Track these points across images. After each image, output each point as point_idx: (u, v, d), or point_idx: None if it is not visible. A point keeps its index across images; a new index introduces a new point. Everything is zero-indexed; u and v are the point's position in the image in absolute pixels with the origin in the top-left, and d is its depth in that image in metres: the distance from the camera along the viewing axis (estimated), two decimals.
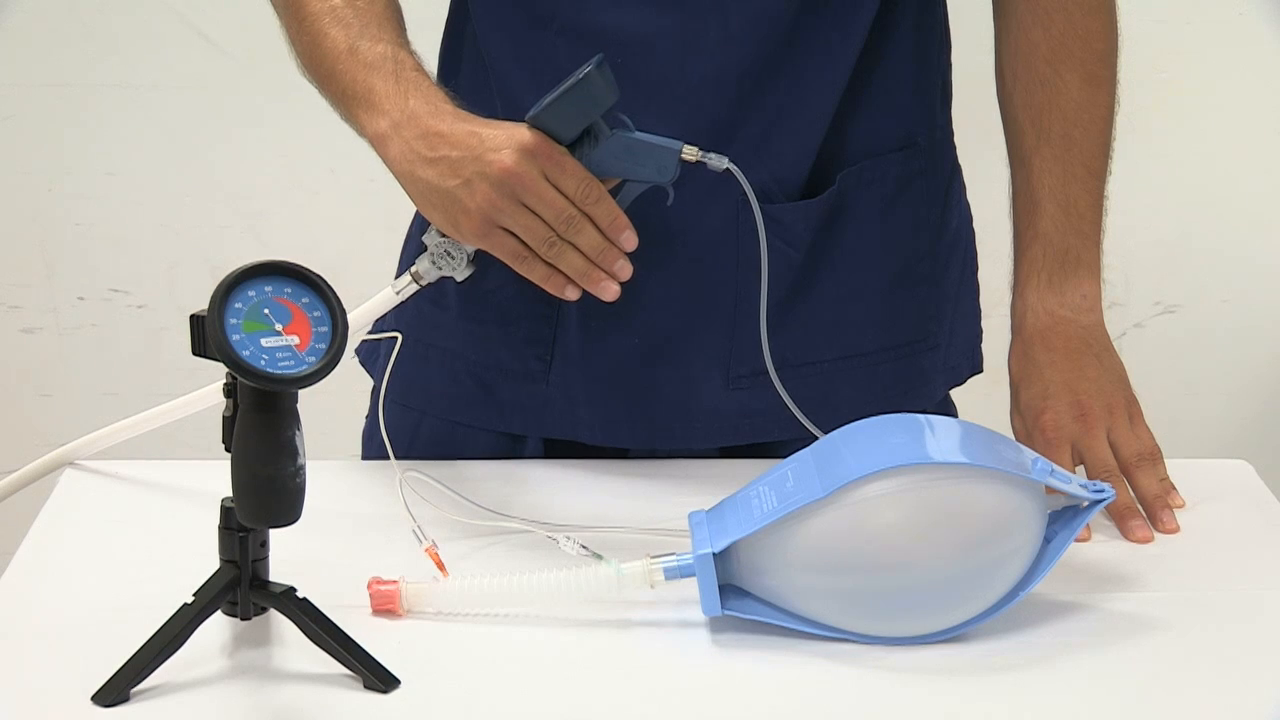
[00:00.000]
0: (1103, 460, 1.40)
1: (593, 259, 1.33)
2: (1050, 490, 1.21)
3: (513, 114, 1.35)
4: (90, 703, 1.10)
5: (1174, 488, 1.40)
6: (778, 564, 1.18)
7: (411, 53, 1.38)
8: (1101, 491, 1.22)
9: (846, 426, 1.22)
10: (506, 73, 1.45)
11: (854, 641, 1.19)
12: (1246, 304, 2.76)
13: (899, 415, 1.22)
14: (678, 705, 1.14)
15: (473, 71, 1.48)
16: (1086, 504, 1.23)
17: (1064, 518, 1.24)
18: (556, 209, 1.30)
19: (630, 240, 1.33)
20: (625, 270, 1.34)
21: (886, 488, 1.16)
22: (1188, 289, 2.75)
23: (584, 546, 1.28)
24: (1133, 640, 1.21)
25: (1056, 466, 1.21)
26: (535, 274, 1.34)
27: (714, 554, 1.18)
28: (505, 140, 1.30)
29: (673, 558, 1.20)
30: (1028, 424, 1.43)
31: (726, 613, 1.19)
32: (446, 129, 1.31)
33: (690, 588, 1.20)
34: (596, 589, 1.21)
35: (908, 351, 1.52)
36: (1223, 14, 2.64)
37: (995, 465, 1.17)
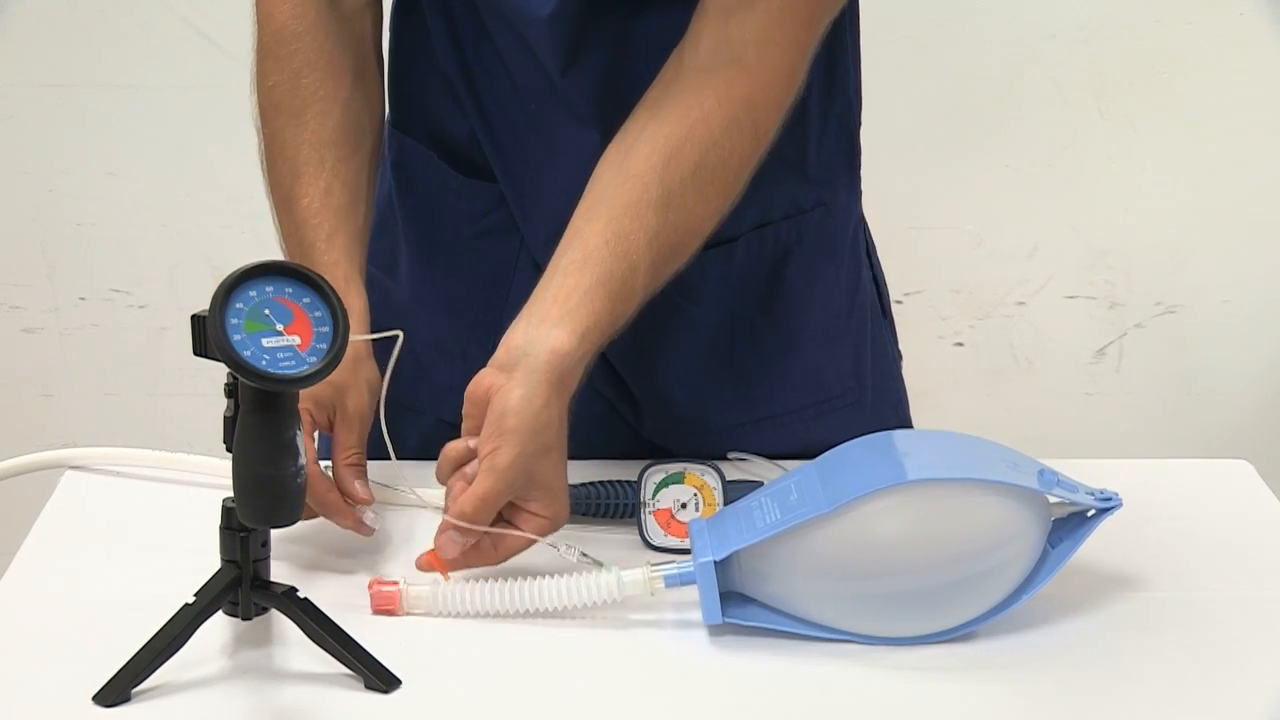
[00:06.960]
0: None
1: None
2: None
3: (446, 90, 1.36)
4: (91, 703, 1.10)
5: None
6: (780, 570, 1.18)
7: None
8: (1109, 500, 1.22)
9: (850, 442, 1.22)
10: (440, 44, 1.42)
11: (854, 642, 1.19)
12: (1246, 304, 2.76)
13: (903, 431, 1.22)
14: (678, 705, 1.14)
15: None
16: (1093, 512, 1.23)
17: (1069, 525, 1.23)
18: None
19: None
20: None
21: (891, 502, 1.16)
22: (1188, 289, 2.75)
23: (584, 554, 1.25)
24: (1133, 640, 1.21)
25: (1063, 475, 1.21)
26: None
27: (715, 562, 1.18)
28: None
29: (674, 565, 1.20)
30: None
31: (728, 620, 1.19)
32: None
33: (690, 588, 1.19)
34: (597, 595, 1.20)
35: (832, 406, 1.51)
36: (1223, 14, 2.64)
37: (998, 479, 1.17)
